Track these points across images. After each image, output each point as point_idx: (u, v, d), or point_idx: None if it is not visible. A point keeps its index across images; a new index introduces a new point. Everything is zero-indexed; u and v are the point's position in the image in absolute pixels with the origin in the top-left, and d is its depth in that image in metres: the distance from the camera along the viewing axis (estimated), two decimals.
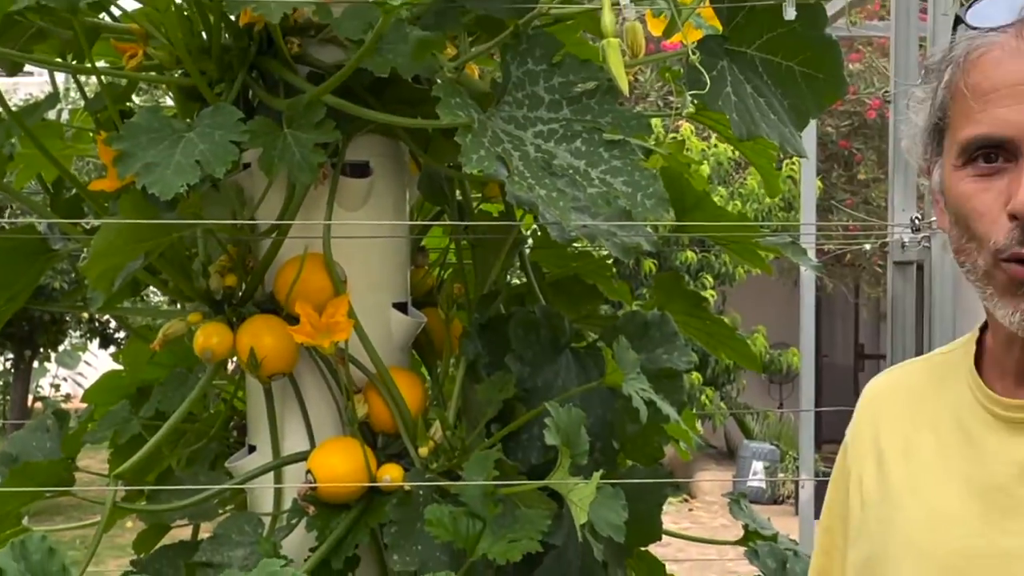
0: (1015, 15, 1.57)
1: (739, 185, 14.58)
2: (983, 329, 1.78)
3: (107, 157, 2.14)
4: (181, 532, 2.53)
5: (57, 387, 19.18)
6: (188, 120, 2.12)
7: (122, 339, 15.23)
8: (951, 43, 1.65)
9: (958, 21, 1.65)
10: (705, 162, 13.60)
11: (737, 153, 13.62)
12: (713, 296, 14.22)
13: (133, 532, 2.67)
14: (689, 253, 14.11)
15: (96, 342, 17.38)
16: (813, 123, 2.69)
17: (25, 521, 2.46)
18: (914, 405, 1.81)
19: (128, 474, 2.30)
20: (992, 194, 1.55)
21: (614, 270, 2.97)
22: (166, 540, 2.54)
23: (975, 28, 1.60)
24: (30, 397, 17.75)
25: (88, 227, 2.43)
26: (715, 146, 13.80)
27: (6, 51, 2.28)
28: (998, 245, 1.53)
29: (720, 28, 2.34)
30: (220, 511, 2.44)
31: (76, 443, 2.42)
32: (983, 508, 1.63)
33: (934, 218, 5.26)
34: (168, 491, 2.40)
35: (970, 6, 1.64)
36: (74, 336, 17.60)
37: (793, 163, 12.83)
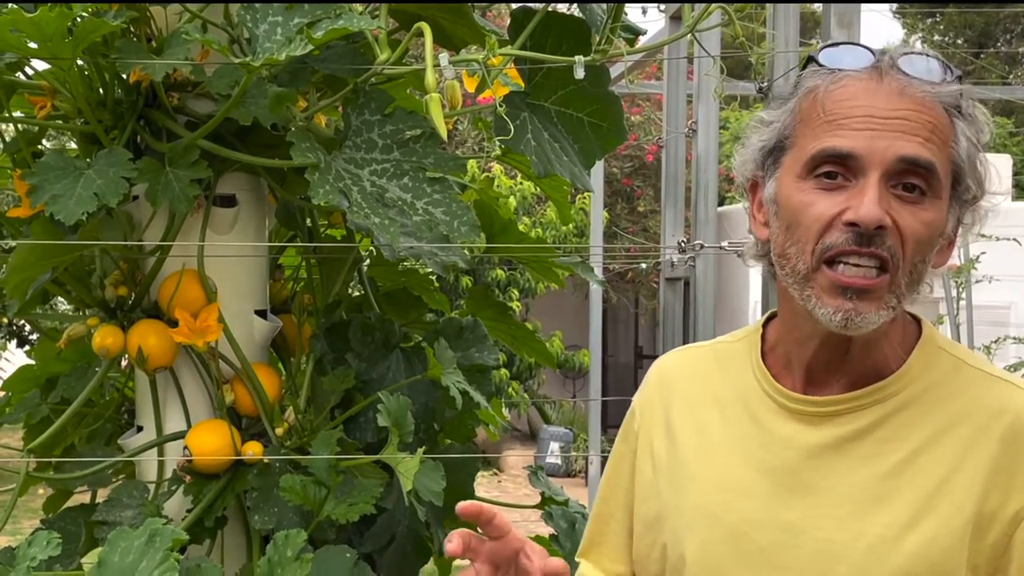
0: (870, 63, 1.58)
1: (540, 215, 14.61)
2: (765, 325, 1.78)
3: (22, 190, 2.12)
4: (82, 497, 2.51)
5: None
6: (88, 160, 2.11)
7: (34, 339, 14.93)
8: (799, 78, 1.64)
9: (810, 60, 1.63)
10: (512, 196, 13.61)
11: (539, 189, 13.70)
12: (518, 306, 14.22)
13: (43, 497, 2.65)
14: (499, 271, 14.10)
15: (14, 343, 17.02)
16: (601, 164, 2.72)
17: None
18: (702, 384, 1.79)
19: (39, 449, 2.29)
20: (829, 204, 1.53)
21: (436, 284, 2.95)
22: (70, 503, 2.52)
23: (830, 68, 1.59)
24: None
25: (6, 247, 2.40)
26: (520, 183, 13.82)
27: None
28: (827, 245, 1.52)
29: (523, 85, 2.36)
30: (113, 479, 2.42)
31: None
32: (770, 485, 1.63)
33: (698, 240, 5.37)
34: (72, 463, 2.37)
35: (821, 51, 1.64)
36: None
37: (585, 197, 12.89)
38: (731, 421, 1.72)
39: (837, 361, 1.64)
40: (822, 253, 1.53)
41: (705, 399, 1.78)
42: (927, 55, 1.59)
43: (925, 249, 1.54)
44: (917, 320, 1.71)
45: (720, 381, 1.78)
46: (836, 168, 1.54)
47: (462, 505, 1.51)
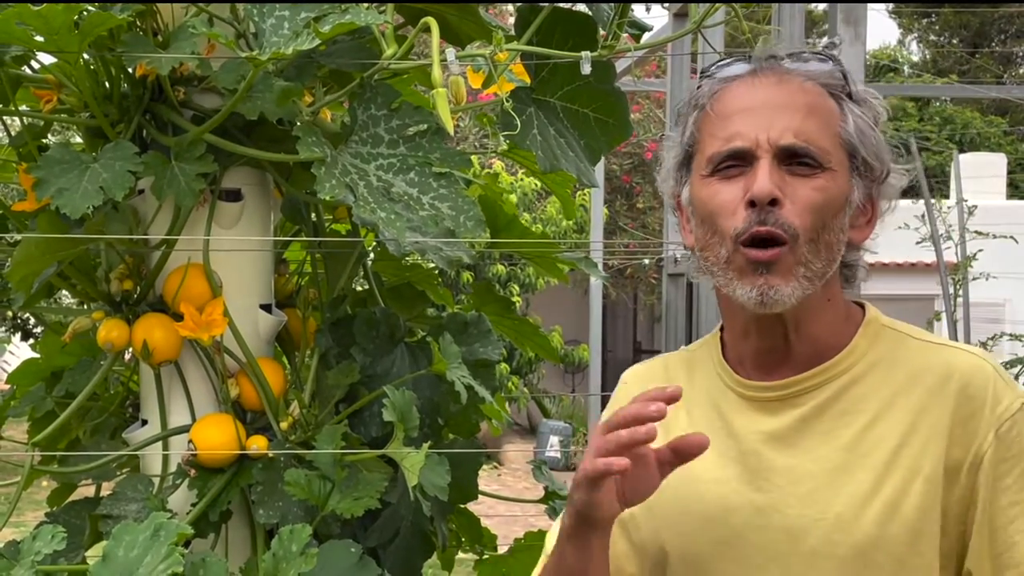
0: (747, 70, 1.70)
1: (540, 211, 14.64)
2: (722, 329, 1.84)
3: (27, 183, 2.11)
4: (86, 490, 2.50)
5: None
6: (93, 154, 2.09)
7: (39, 333, 15.02)
8: (695, 92, 1.76)
9: (704, 75, 1.75)
10: (513, 193, 13.64)
11: (539, 185, 13.70)
12: (519, 302, 14.26)
13: (47, 490, 2.64)
14: (499, 267, 14.15)
15: (18, 336, 17.14)
16: (601, 162, 2.71)
17: None
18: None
19: (43, 442, 2.26)
20: (733, 190, 1.64)
21: (439, 279, 2.97)
22: (74, 496, 2.51)
23: (718, 77, 1.72)
24: None
25: (11, 241, 2.39)
26: (521, 180, 13.84)
27: None
28: (738, 230, 1.62)
29: (528, 81, 2.35)
30: (118, 473, 2.41)
31: (1, 417, 2.38)
32: (739, 471, 1.70)
33: None
34: (76, 456, 2.36)
35: (714, 66, 1.76)
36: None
37: (584, 194, 12.92)
38: (696, 418, 1.78)
39: (777, 348, 1.72)
40: (736, 237, 1.63)
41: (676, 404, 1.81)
42: (807, 52, 1.73)
43: (825, 215, 1.64)
44: (862, 305, 1.79)
45: (688, 386, 1.80)
46: (733, 161, 1.65)
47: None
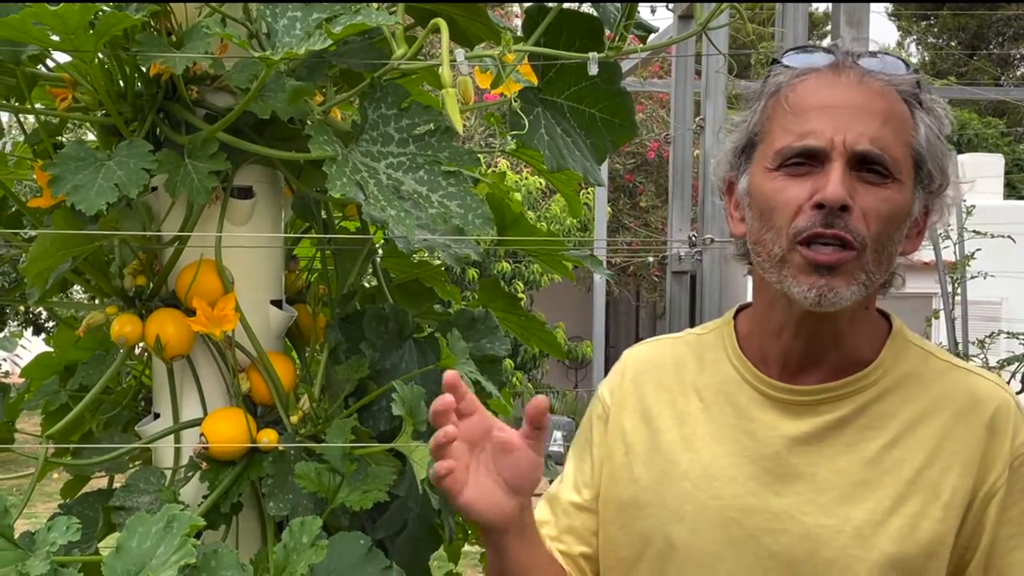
0: (828, 61, 1.65)
1: (545, 210, 14.64)
2: (735, 316, 1.82)
3: (43, 180, 2.11)
4: (99, 482, 2.50)
5: None
6: (108, 151, 2.09)
7: (52, 328, 15.10)
8: (765, 79, 1.70)
9: (774, 62, 1.70)
10: (518, 192, 13.64)
11: (543, 184, 13.70)
12: (523, 299, 14.25)
13: (60, 482, 2.64)
14: (504, 263, 14.14)
15: (31, 330, 17.21)
16: (605, 161, 2.71)
17: None
18: (678, 375, 1.81)
19: (57, 435, 2.27)
20: (800, 190, 1.58)
21: (447, 276, 2.97)
22: (87, 488, 2.51)
23: (794, 67, 1.67)
24: None
25: (27, 236, 2.40)
26: (526, 179, 13.83)
27: None
28: (798, 227, 1.57)
29: (536, 81, 2.35)
30: (131, 465, 2.41)
31: (15, 409, 2.38)
32: (757, 472, 1.66)
33: (708, 235, 5.38)
34: (89, 449, 2.36)
35: (784, 54, 1.71)
36: (12, 325, 17.37)
37: (588, 193, 12.92)
38: (713, 411, 1.75)
39: (812, 352, 1.68)
40: (795, 236, 1.58)
41: (684, 388, 1.80)
42: (885, 53, 1.67)
43: (891, 227, 1.60)
44: (886, 316, 1.76)
45: (697, 371, 1.80)
46: (803, 159, 1.60)
47: (449, 373, 1.56)
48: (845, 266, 1.57)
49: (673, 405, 1.79)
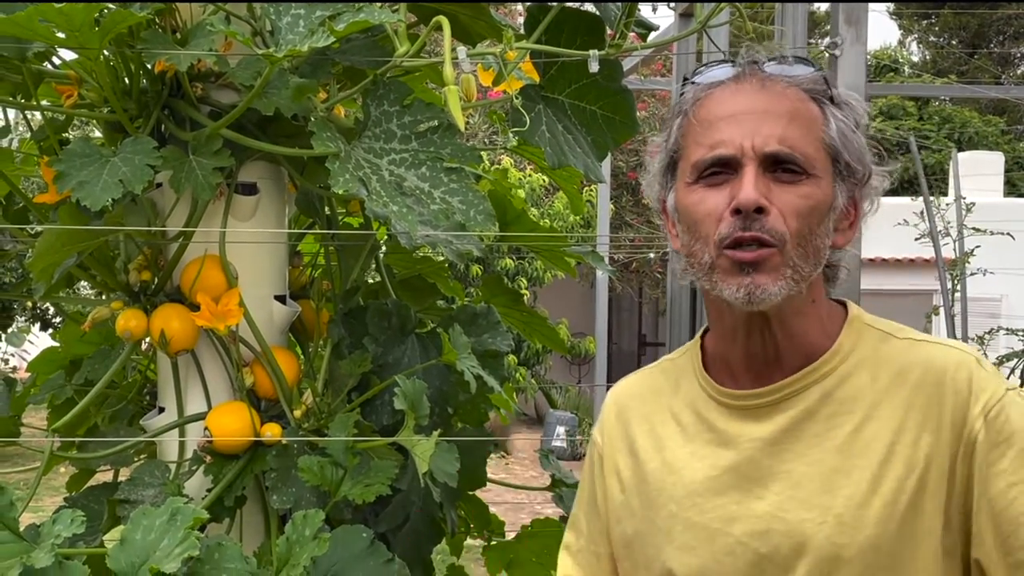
0: (731, 73, 1.68)
1: (548, 207, 14.64)
2: (703, 337, 1.84)
3: (49, 176, 2.11)
4: (104, 476, 2.51)
5: (6, 361, 18.93)
6: (113, 148, 2.09)
7: (59, 323, 15.16)
8: (680, 98, 1.75)
9: (686, 82, 1.74)
10: (521, 189, 13.63)
11: (546, 181, 13.71)
12: (526, 295, 14.25)
13: (67, 477, 2.65)
14: (508, 260, 14.14)
15: (38, 326, 17.27)
16: (608, 159, 2.71)
17: None
18: (656, 402, 1.85)
19: (63, 429, 2.27)
20: (719, 198, 1.62)
21: (450, 272, 2.97)
22: (93, 482, 2.52)
23: (701, 83, 1.71)
24: None
25: (33, 232, 2.40)
26: (529, 176, 13.84)
27: None
28: (722, 234, 1.60)
29: (537, 79, 2.35)
30: (136, 459, 2.42)
31: (21, 404, 2.39)
32: (736, 480, 1.68)
33: None
34: (95, 442, 2.37)
35: (695, 73, 1.74)
36: (20, 321, 17.43)
37: (591, 190, 12.92)
38: (689, 431, 1.77)
39: (768, 350, 1.70)
40: (720, 243, 1.61)
41: (663, 415, 1.83)
42: (789, 56, 1.71)
43: (811, 221, 1.62)
44: (843, 304, 1.78)
45: (672, 395, 1.84)
46: (718, 168, 1.63)
47: None
48: (767, 263, 1.60)
49: (653, 433, 1.82)
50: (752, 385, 1.71)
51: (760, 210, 1.58)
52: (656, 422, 1.82)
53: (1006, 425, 1.60)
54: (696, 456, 1.73)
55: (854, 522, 1.60)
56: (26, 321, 17.56)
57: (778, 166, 1.60)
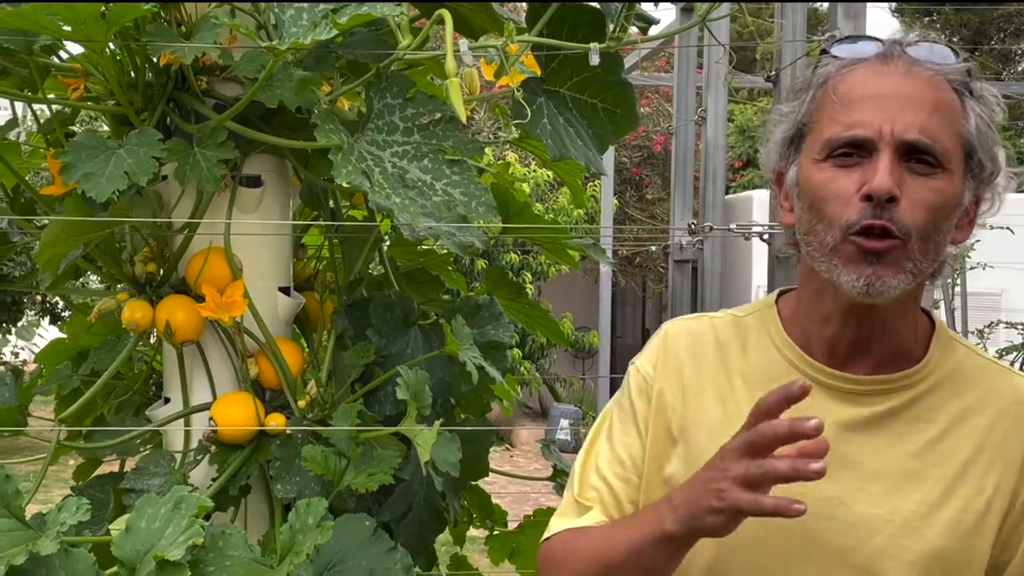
0: (876, 51, 1.62)
1: (553, 202, 14.63)
2: (777, 302, 1.78)
3: (55, 168, 2.11)
4: (111, 465, 2.51)
5: (16, 355, 19.01)
6: (119, 140, 2.09)
7: (66, 316, 15.26)
8: (814, 68, 1.68)
9: (823, 52, 1.68)
10: (525, 183, 13.62)
11: (551, 176, 13.69)
12: (531, 290, 14.25)
13: (73, 468, 2.65)
14: (513, 255, 14.14)
15: (47, 319, 17.32)
16: (611, 153, 2.71)
17: None
18: (720, 353, 1.76)
19: (70, 419, 2.27)
20: (848, 181, 1.56)
21: (453, 264, 2.97)
22: (99, 471, 2.52)
23: (842, 57, 1.64)
24: None
25: (40, 224, 2.40)
26: (534, 171, 13.83)
27: None
28: (850, 220, 1.54)
29: (539, 72, 2.34)
30: (141, 449, 2.42)
31: (29, 394, 2.38)
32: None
33: (707, 223, 5.38)
34: (101, 432, 2.37)
35: (832, 45, 1.69)
36: (30, 315, 17.49)
37: (595, 185, 12.91)
38: (758, 393, 1.62)
39: (859, 341, 1.65)
40: (847, 228, 1.55)
41: (727, 368, 1.76)
42: (935, 42, 1.63)
43: (938, 217, 1.57)
44: (927, 313, 1.74)
45: (739, 353, 1.76)
46: (851, 149, 1.56)
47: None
48: (892, 254, 1.54)
49: (715, 382, 1.75)
50: (831, 367, 1.68)
51: (892, 199, 1.53)
52: (719, 373, 1.75)
53: None
54: None
55: (918, 528, 1.60)
56: (37, 315, 17.62)
57: (913, 156, 1.55)
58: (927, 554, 1.59)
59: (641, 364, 1.83)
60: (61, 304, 16.22)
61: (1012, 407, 1.64)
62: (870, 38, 1.66)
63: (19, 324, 17.72)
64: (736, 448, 1.44)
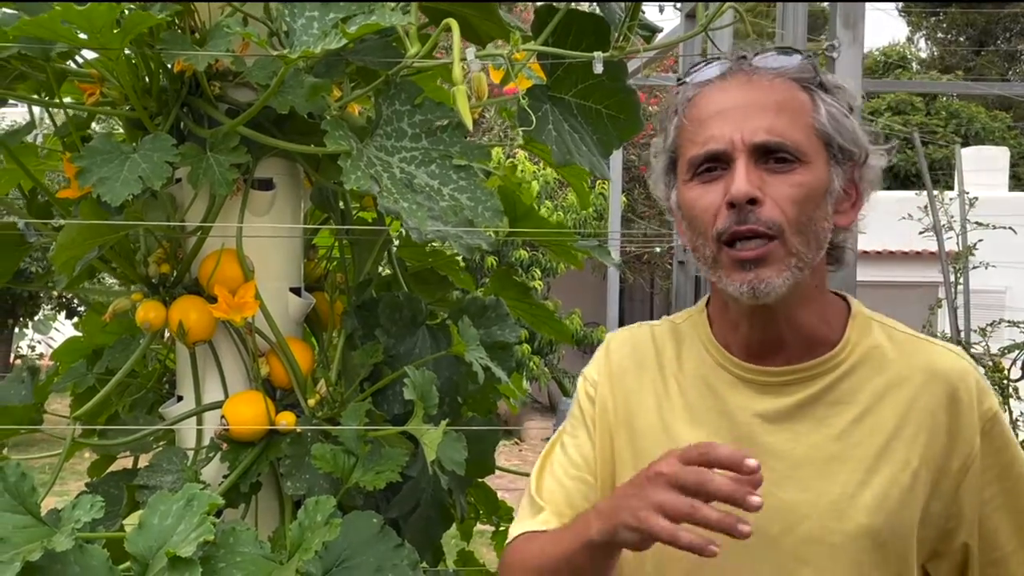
0: (718, 71, 1.69)
1: (563, 199, 14.62)
2: (707, 304, 1.85)
3: (71, 172, 2.12)
4: (125, 462, 2.52)
5: (33, 348, 19.02)
6: (133, 144, 2.10)
7: (83, 312, 15.27)
8: (674, 99, 1.76)
9: (680, 82, 1.76)
10: (535, 181, 13.61)
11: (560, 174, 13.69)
12: (540, 285, 14.25)
13: (88, 461, 2.66)
14: (522, 251, 14.15)
15: (63, 314, 17.34)
16: (619, 152, 2.72)
17: (5, 452, 2.47)
18: (658, 359, 1.84)
19: (85, 416, 2.28)
20: (715, 194, 1.63)
21: (462, 264, 2.98)
22: (113, 467, 2.53)
23: (691, 83, 1.72)
24: (12, 356, 17.68)
25: (56, 226, 2.41)
26: (543, 169, 13.83)
27: None
28: (719, 229, 1.61)
29: (545, 78, 2.36)
30: (155, 446, 2.42)
31: (45, 391, 2.40)
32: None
33: None
34: (115, 430, 2.38)
35: (686, 73, 1.76)
36: (46, 309, 17.53)
37: (604, 183, 12.90)
38: (690, 395, 1.78)
39: (770, 340, 1.72)
40: (718, 238, 1.62)
41: (663, 373, 1.83)
42: (775, 48, 1.71)
43: (808, 207, 1.62)
44: (843, 297, 1.80)
45: (675, 358, 1.84)
46: (711, 164, 1.64)
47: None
48: (769, 256, 1.60)
49: (653, 388, 1.82)
50: (750, 362, 1.74)
51: (753, 201, 1.59)
52: (656, 378, 1.83)
53: (998, 437, 1.66)
54: (695, 421, 1.74)
55: (846, 509, 1.62)
56: (52, 310, 17.65)
57: (769, 156, 1.61)
58: (856, 534, 1.62)
59: (589, 373, 1.93)
60: (76, 300, 16.28)
61: (929, 378, 1.67)
62: (714, 59, 1.73)
63: (36, 318, 17.77)
64: (666, 476, 1.47)
